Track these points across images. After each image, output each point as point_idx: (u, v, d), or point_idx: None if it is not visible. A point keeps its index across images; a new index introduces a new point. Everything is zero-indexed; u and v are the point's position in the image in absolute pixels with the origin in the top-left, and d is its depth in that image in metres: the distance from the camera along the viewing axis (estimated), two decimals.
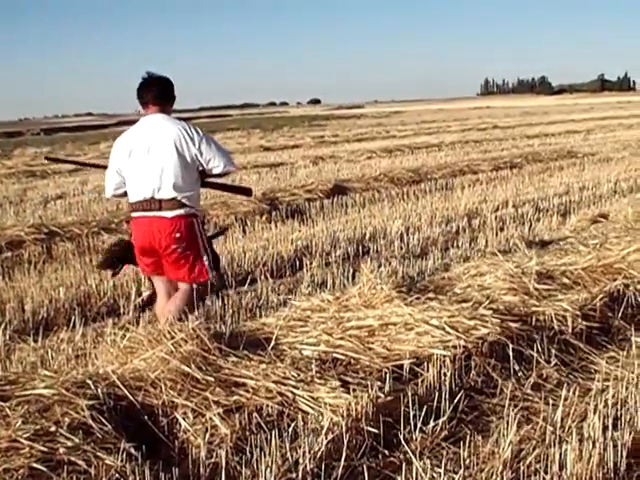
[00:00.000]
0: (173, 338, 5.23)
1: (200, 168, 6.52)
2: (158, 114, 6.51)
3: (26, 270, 10.00)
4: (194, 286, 6.61)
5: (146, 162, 6.36)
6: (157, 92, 6.53)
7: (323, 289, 7.70)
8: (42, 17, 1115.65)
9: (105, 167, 7.08)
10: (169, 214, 6.38)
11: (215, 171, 6.55)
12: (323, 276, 8.83)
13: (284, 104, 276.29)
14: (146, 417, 4.70)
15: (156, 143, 6.36)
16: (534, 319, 6.17)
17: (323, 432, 4.47)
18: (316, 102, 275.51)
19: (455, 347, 5.50)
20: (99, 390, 4.74)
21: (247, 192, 7.62)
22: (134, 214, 6.54)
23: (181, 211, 6.40)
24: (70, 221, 12.94)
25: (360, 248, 10.46)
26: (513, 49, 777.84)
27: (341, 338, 5.60)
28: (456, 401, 5.01)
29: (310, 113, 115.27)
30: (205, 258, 6.58)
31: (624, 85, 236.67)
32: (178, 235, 6.40)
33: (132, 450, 4.27)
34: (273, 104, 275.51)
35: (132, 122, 6.90)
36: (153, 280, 6.85)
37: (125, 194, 6.66)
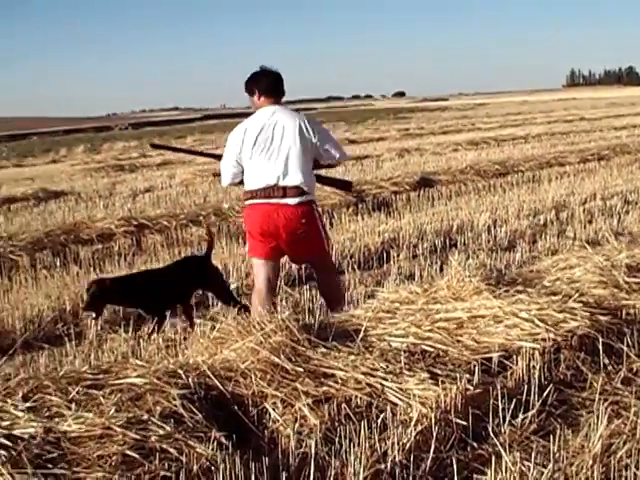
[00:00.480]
0: (263, 329, 5.27)
1: (314, 157, 6.77)
2: (275, 105, 6.78)
3: (116, 262, 10.18)
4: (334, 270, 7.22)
5: (271, 151, 6.61)
6: (274, 84, 6.87)
7: (410, 281, 7.67)
8: (127, 17, 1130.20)
9: (210, 155, 7.44)
10: (292, 201, 6.61)
11: (332, 161, 6.94)
12: (410, 268, 8.84)
13: (368, 97, 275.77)
14: (236, 407, 4.75)
15: (280, 133, 6.61)
16: (624, 312, 6.09)
17: (412, 424, 4.48)
18: (401, 95, 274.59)
19: (544, 340, 5.45)
20: (190, 380, 4.81)
21: (348, 186, 7.82)
22: (253, 201, 6.73)
23: (303, 198, 6.64)
24: (159, 214, 13.15)
25: (447, 241, 10.43)
26: (599, 39, 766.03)
27: (429, 330, 5.58)
28: (545, 395, 4.98)
29: (395, 106, 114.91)
30: (325, 240, 6.92)
31: None
32: (304, 221, 6.66)
33: (223, 439, 4.31)
34: (357, 97, 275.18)
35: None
36: (259, 265, 6.88)
37: (240, 183, 6.88)
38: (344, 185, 7.82)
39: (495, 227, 11.03)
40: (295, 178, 6.59)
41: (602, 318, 5.85)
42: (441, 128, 39.80)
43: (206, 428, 4.39)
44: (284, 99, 6.94)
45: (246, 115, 7.08)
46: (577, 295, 6.10)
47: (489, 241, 10.32)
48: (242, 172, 6.77)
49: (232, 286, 8.24)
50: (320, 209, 7.09)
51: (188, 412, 4.49)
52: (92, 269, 9.74)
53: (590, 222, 11.40)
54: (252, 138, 6.64)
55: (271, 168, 6.59)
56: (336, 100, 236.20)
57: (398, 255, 9.44)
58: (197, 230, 12.13)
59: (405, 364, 5.08)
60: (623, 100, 77.30)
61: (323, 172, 7.40)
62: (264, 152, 6.61)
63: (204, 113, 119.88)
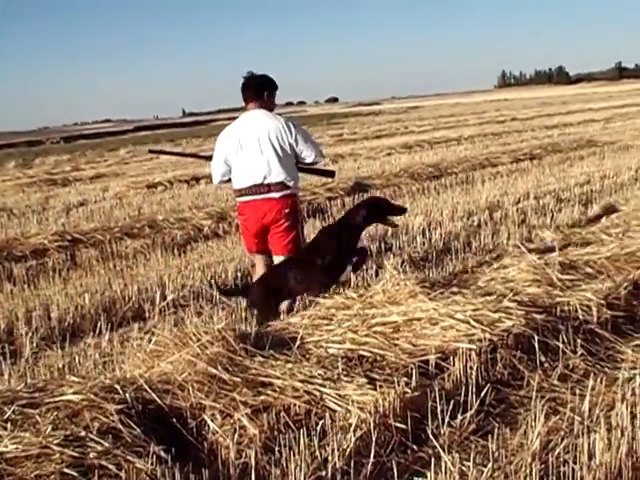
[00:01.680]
0: (199, 340, 5.25)
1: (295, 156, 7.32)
2: (258, 110, 7.43)
3: (51, 278, 10.06)
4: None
5: (255, 152, 7.28)
6: (255, 88, 7.47)
7: (346, 287, 7.67)
8: (58, 24, 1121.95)
9: (205, 157, 8.25)
10: (277, 195, 7.31)
11: (307, 160, 7.55)
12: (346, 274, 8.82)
13: (301, 103, 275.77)
14: (174, 420, 4.72)
15: (261, 135, 7.27)
16: (559, 310, 6.15)
17: (351, 429, 4.48)
18: (334, 100, 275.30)
19: (480, 340, 5.49)
20: (127, 394, 4.76)
21: (331, 174, 8.49)
22: (243, 198, 7.44)
23: (287, 191, 7.36)
24: (92, 228, 12.98)
25: (382, 245, 10.45)
26: (529, 39, 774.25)
27: (366, 335, 5.60)
28: (483, 394, 5.01)
29: (328, 111, 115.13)
30: (300, 233, 7.58)
31: None
32: (287, 211, 7.36)
33: (162, 453, 4.29)
34: (290, 104, 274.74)
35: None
36: (256, 258, 7.70)
37: (229, 181, 7.63)
38: (327, 173, 8.45)
39: (430, 230, 11.06)
40: (278, 175, 7.27)
41: (537, 316, 5.91)
42: (374, 133, 39.95)
43: (145, 442, 4.37)
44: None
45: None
46: (512, 294, 6.17)
47: (424, 244, 10.35)
48: (230, 171, 7.46)
49: (168, 297, 8.20)
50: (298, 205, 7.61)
51: (126, 427, 4.45)
52: (26, 286, 9.62)
53: (524, 221, 11.50)
54: (236, 140, 7.31)
55: (256, 167, 7.25)
56: None
57: None
58: (132, 242, 12.05)
59: (343, 370, 5.09)
60: (554, 99, 78.35)
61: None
62: (249, 153, 7.27)
63: (136, 125, 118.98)
